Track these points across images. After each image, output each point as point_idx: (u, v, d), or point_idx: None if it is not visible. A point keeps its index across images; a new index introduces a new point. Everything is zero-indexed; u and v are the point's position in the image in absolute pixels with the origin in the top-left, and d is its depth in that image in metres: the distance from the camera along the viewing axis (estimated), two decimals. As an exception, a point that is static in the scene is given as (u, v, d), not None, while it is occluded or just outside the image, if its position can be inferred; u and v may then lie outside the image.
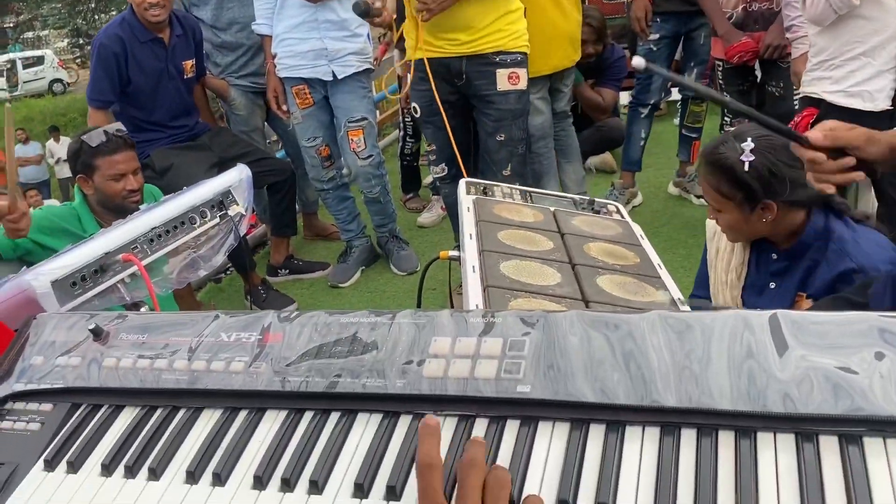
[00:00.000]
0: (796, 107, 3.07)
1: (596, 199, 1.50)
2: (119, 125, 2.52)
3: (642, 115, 3.78)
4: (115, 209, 2.44)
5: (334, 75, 3.23)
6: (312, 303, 3.38)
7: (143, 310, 1.32)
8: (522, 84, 2.65)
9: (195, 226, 1.48)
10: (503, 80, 2.62)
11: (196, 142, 3.28)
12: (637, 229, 1.38)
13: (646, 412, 0.70)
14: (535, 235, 1.25)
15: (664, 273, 1.22)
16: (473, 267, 1.11)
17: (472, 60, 2.63)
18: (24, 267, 2.36)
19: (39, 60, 23.78)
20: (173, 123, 3.23)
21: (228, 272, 3.84)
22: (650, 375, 0.72)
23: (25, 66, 23.58)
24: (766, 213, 1.54)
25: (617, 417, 0.71)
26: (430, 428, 0.69)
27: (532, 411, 0.74)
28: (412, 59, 2.77)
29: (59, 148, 11.50)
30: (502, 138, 2.69)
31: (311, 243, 4.10)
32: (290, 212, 3.61)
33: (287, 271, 3.62)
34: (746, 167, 1.49)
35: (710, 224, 1.73)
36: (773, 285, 1.60)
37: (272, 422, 0.83)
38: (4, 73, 23.19)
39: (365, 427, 0.79)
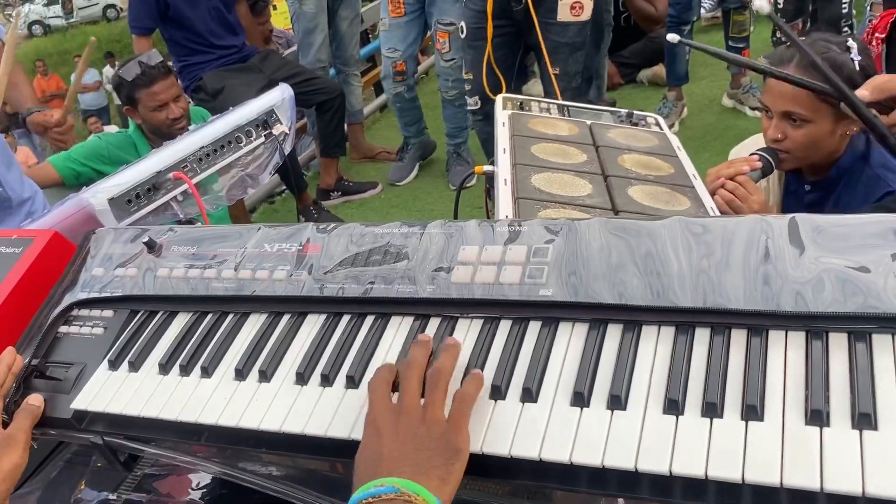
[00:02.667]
0: (844, 10, 2.92)
1: (635, 112, 1.49)
2: (155, 53, 2.56)
3: (684, 32, 3.64)
4: (165, 136, 2.52)
5: None
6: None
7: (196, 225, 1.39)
8: (586, 15, 2.48)
9: (241, 145, 1.53)
10: (565, 9, 2.43)
11: (246, 64, 3.31)
12: (675, 140, 1.37)
13: (661, 312, 0.73)
14: (569, 148, 1.26)
15: (698, 183, 1.22)
16: (505, 180, 1.13)
17: None
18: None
19: (92, -14, 23.81)
20: (220, 43, 3.26)
21: (282, 194, 3.93)
22: (668, 278, 0.74)
23: (79, -7, 23.67)
24: (851, 126, 1.43)
25: (634, 318, 0.74)
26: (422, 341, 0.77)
27: (553, 313, 0.78)
28: None
29: (116, 74, 11.68)
30: (557, 72, 2.52)
31: (358, 164, 4.15)
32: (339, 131, 3.65)
33: (339, 193, 3.69)
34: (857, 66, 1.38)
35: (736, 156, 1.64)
36: None
37: (313, 325, 0.89)
38: (60, 0, 23.38)
39: (398, 328, 0.84)
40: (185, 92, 3.31)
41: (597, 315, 0.76)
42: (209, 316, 0.95)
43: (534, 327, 0.78)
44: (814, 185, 1.54)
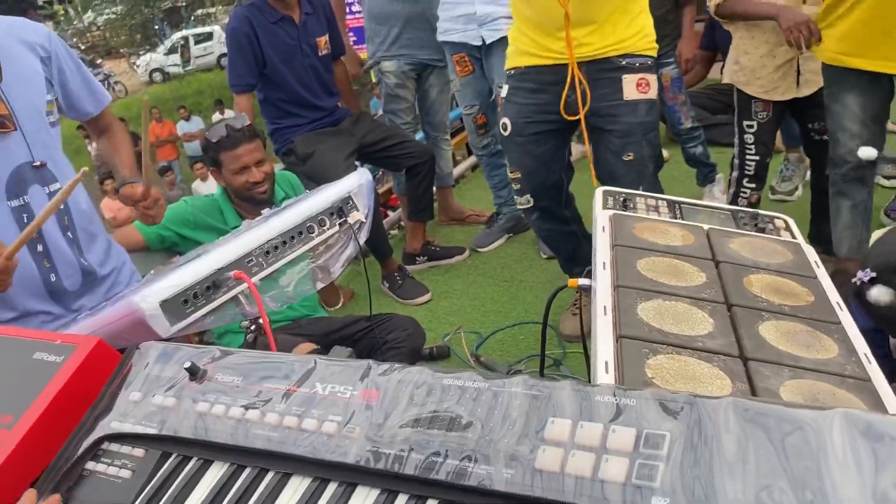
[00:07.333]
0: None
1: (760, 212, 1.28)
2: (243, 117, 2.51)
3: None
4: (247, 200, 2.47)
5: (483, 40, 3.13)
6: (447, 290, 3.30)
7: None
8: (653, 92, 2.24)
9: (313, 235, 1.41)
10: (630, 87, 2.20)
11: (338, 127, 3.26)
12: (811, 254, 1.16)
13: (826, 563, 0.53)
14: (684, 265, 1.06)
15: (845, 316, 1.00)
16: (605, 307, 0.95)
17: (591, 66, 2.20)
18: (176, 256, 2.43)
19: (208, 36, 25.15)
20: (316, 102, 3.21)
21: (368, 255, 3.84)
22: (834, 509, 0.54)
23: (196, 42, 25.02)
24: None
25: (785, 563, 0.54)
26: None
27: (670, 537, 0.59)
28: (513, 66, 2.38)
29: (224, 121, 12.16)
30: (630, 158, 2.25)
31: (446, 227, 4.02)
32: (428, 195, 3.54)
33: (425, 258, 3.57)
34: None
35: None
36: None
37: (362, 501, 0.73)
38: (178, 49, 24.84)
39: (464, 526, 0.67)
40: (276, 154, 3.29)
41: (732, 551, 0.56)
42: (246, 471, 0.81)
43: (643, 552, 0.59)
44: None
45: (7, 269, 1.41)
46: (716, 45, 4.50)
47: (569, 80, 2.20)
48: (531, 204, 2.52)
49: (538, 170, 2.42)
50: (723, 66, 4.62)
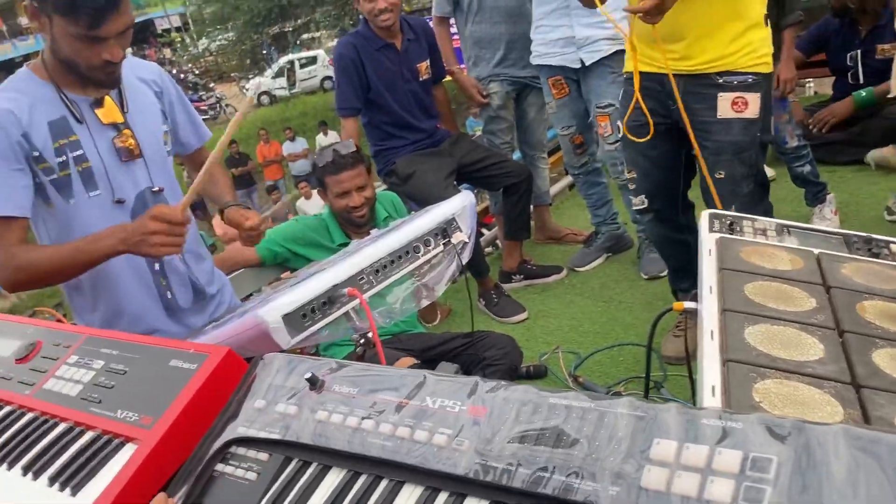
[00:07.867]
0: None
1: (874, 237, 1.25)
2: (350, 143, 2.63)
3: None
4: (347, 221, 2.59)
5: (582, 62, 3.15)
6: (543, 309, 3.31)
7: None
8: (751, 112, 2.15)
9: (419, 254, 1.47)
10: (725, 105, 2.14)
11: (437, 149, 3.35)
12: (930, 280, 1.12)
13: None
14: (793, 290, 1.05)
15: (968, 345, 0.96)
16: (712, 332, 0.96)
17: (689, 80, 2.17)
18: (286, 272, 2.55)
19: (313, 60, 26.12)
20: (416, 124, 3.31)
21: (465, 273, 3.90)
22: (950, 541, 0.54)
23: (301, 66, 26.03)
24: None
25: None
26: None
27: (778, 560, 0.60)
28: (625, 70, 2.39)
29: (327, 141, 12.63)
30: (721, 176, 2.21)
31: (543, 246, 4.03)
32: (525, 214, 3.57)
33: (521, 277, 3.59)
34: None
35: None
36: None
37: (471, 512, 0.77)
38: (285, 73, 25.90)
39: (571, 539, 0.69)
40: (379, 175, 3.41)
41: (842, 577, 0.57)
42: (362, 479, 0.86)
43: (749, 574, 0.60)
44: None
45: (186, 222, 1.53)
46: (822, 48, 4.29)
47: (637, 91, 2.19)
48: (645, 205, 2.51)
49: (651, 171, 2.42)
50: (835, 82, 4.45)
